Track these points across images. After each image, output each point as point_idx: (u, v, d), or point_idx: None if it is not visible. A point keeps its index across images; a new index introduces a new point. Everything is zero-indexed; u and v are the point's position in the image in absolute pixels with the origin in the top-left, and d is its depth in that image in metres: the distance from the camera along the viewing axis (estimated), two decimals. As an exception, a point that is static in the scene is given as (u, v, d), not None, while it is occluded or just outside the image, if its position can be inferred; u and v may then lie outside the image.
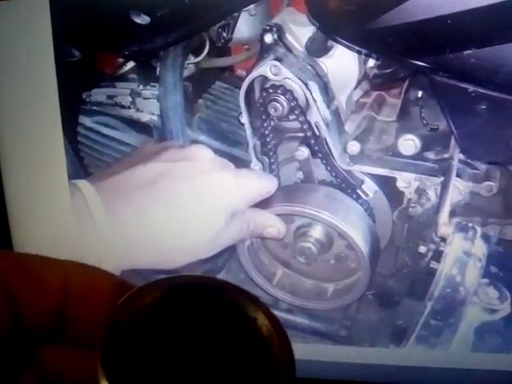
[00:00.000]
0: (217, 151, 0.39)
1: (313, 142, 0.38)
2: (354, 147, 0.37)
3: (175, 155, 0.39)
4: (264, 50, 0.36)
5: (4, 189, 0.41)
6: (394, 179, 0.38)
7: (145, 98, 0.40)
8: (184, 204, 0.39)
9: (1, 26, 0.39)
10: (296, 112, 0.37)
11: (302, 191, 0.40)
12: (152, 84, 0.40)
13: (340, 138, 0.38)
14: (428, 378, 0.40)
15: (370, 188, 0.38)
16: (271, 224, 0.40)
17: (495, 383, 0.40)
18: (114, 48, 0.39)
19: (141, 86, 0.40)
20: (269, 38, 0.36)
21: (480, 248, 0.38)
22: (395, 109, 0.38)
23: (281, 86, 0.36)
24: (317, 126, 0.37)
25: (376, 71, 0.36)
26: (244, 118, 0.38)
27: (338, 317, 0.41)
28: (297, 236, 0.40)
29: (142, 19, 0.36)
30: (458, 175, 0.37)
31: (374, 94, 0.38)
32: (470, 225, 0.38)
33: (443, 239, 0.38)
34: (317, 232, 0.40)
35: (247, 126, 0.39)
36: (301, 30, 0.36)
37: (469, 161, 0.37)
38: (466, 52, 0.33)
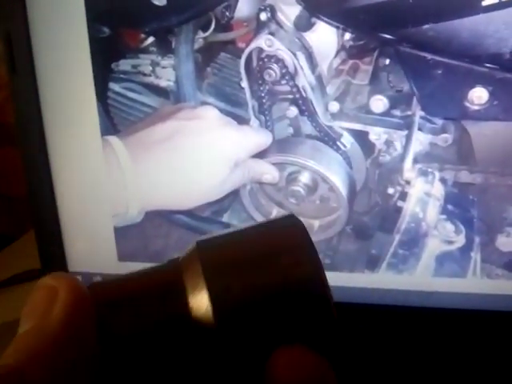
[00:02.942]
0: (222, 111, 0.44)
1: (300, 102, 0.43)
2: (334, 106, 0.43)
3: (188, 115, 0.44)
4: (260, 26, 0.42)
5: (47, 145, 0.48)
6: (366, 133, 0.43)
7: (163, 67, 0.44)
8: (195, 155, 0.44)
9: (43, 9, 0.44)
10: (286, 77, 0.42)
11: (292, 144, 0.45)
12: (169, 55, 0.44)
13: (323, 98, 0.43)
14: (397, 298, 0.45)
15: (347, 140, 0.44)
16: (267, 171, 0.45)
17: (452, 303, 0.45)
18: (137, 26, 0.44)
19: (159, 57, 0.44)
20: (263, 16, 0.41)
21: (438, 189, 0.43)
22: (367, 74, 0.42)
23: (274, 56, 0.42)
24: (304, 89, 0.43)
25: (351, 43, 0.41)
26: (244, 83, 0.43)
27: (323, 248, 0.46)
28: (288, 181, 0.46)
29: (160, 1, 0.42)
30: (419, 129, 0.42)
31: (350, 62, 0.42)
32: (430, 170, 0.42)
33: (408, 182, 0.43)
34: (305, 177, 0.45)
35: (247, 90, 0.44)
36: (289, 9, 0.41)
37: (428, 117, 0.41)
38: (424, 26, 0.38)
